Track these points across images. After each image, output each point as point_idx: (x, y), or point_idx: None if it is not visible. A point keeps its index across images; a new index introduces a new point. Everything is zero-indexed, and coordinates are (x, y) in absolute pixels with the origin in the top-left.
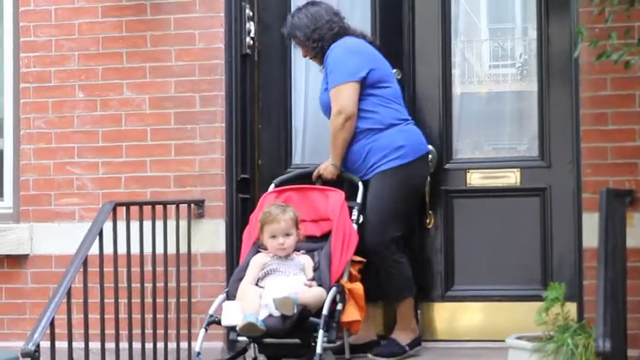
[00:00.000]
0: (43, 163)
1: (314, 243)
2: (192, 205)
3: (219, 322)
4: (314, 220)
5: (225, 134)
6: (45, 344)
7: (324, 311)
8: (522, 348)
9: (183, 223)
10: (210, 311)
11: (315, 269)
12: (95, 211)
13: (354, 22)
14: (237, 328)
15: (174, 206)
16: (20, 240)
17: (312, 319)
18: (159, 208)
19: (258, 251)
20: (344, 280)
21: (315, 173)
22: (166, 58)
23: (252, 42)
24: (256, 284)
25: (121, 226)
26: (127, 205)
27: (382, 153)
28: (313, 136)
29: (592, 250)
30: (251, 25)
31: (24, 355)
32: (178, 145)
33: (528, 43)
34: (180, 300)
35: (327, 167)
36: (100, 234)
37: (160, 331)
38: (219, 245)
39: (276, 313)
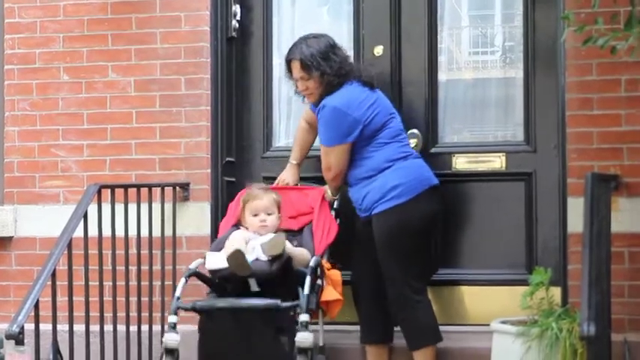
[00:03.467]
0: (27, 146)
1: (292, 236)
2: (177, 187)
3: (199, 275)
4: (292, 217)
5: (210, 117)
6: (29, 326)
7: (311, 264)
8: (506, 332)
9: (168, 206)
10: (191, 266)
11: (296, 247)
12: (80, 193)
13: (341, 4)
14: (226, 258)
15: (159, 189)
16: (4, 222)
17: (298, 268)
18: (144, 190)
19: (238, 228)
20: (324, 261)
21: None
22: (152, 40)
23: (237, 25)
24: None
25: (106, 208)
26: (112, 187)
27: (379, 194)
28: (296, 119)
29: (577, 234)
30: (237, 8)
31: (8, 337)
32: (163, 127)
33: (513, 29)
34: (165, 283)
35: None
36: (85, 216)
37: (145, 314)
38: (205, 228)
39: (264, 258)
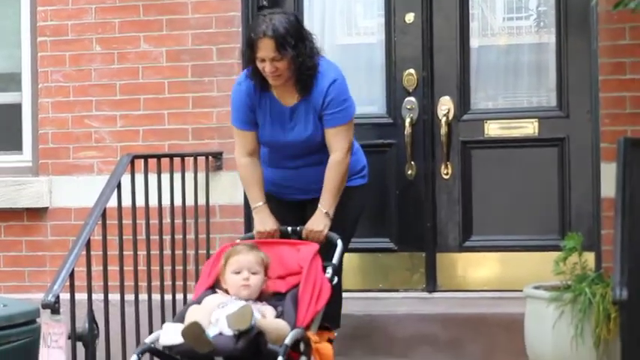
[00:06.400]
0: (61, 117)
1: (278, 301)
2: (209, 157)
3: (155, 352)
4: (280, 277)
5: None
6: (65, 296)
7: (287, 341)
8: (540, 297)
9: (201, 176)
10: (147, 340)
11: (278, 317)
12: (113, 164)
13: None
14: (181, 333)
15: (192, 159)
16: (39, 193)
17: (270, 346)
18: (177, 160)
19: (215, 292)
20: (311, 333)
21: (305, 232)
22: (183, 10)
23: None
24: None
25: (139, 178)
26: (145, 157)
27: (354, 170)
28: None
29: (610, 199)
30: None
31: (44, 306)
32: (196, 97)
33: None
34: (199, 252)
35: (321, 220)
36: (119, 186)
37: (179, 283)
38: (238, 197)
39: (228, 332)
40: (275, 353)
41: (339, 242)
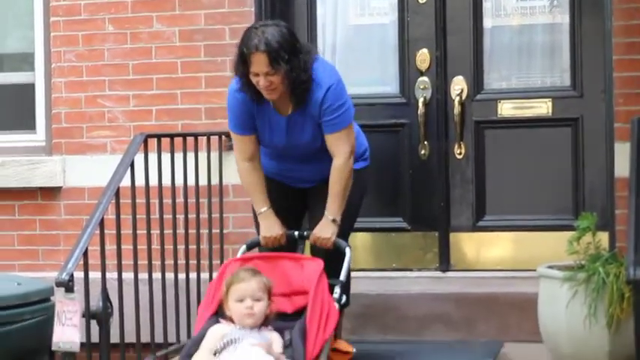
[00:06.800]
0: (74, 96)
1: (284, 322)
2: (223, 137)
3: None
4: (285, 294)
5: None
6: (78, 274)
7: None
8: (553, 277)
9: (214, 155)
10: None
11: (286, 347)
12: (126, 143)
13: None
14: None
15: (205, 138)
16: (53, 172)
17: None
18: (190, 140)
19: (218, 321)
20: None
21: (312, 238)
22: None
23: None
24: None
25: (153, 158)
26: (158, 136)
27: (356, 153)
28: (342, 60)
29: (624, 179)
30: None
31: (58, 284)
32: (209, 77)
33: None
34: (213, 231)
35: (329, 227)
36: (132, 165)
37: (193, 262)
38: None
39: None
40: None
41: (348, 251)
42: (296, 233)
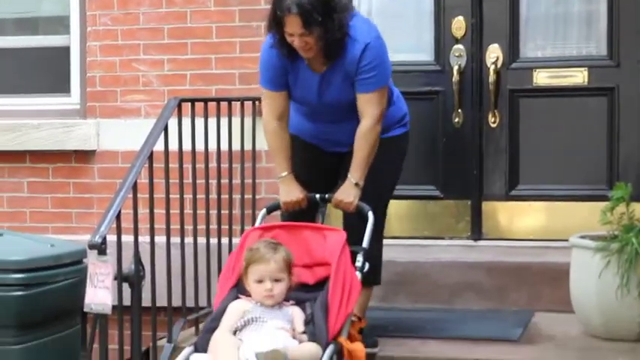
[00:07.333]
0: (109, 60)
1: (306, 293)
2: (256, 102)
3: None
4: (307, 266)
5: None
6: (111, 238)
7: None
8: (586, 247)
9: (248, 120)
10: None
11: (308, 322)
12: (160, 107)
13: None
14: None
15: (238, 103)
16: (87, 136)
17: None
18: (223, 105)
19: (237, 297)
20: (342, 339)
21: (334, 202)
22: None
23: None
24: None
25: (186, 122)
26: (192, 101)
27: (395, 119)
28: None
29: None
30: None
31: (91, 247)
32: (243, 42)
33: None
34: (245, 196)
35: (351, 190)
36: (166, 130)
37: (225, 227)
38: None
39: None
40: None
41: (370, 215)
42: (317, 196)
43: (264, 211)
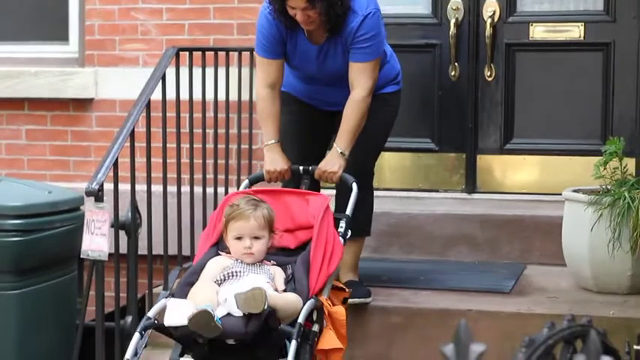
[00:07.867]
0: (107, 9)
1: (287, 257)
2: (254, 52)
3: (159, 328)
4: (289, 230)
5: None
6: (108, 186)
7: (300, 319)
8: (578, 200)
9: (245, 71)
10: (149, 314)
11: (288, 282)
12: (159, 56)
13: None
14: (187, 320)
15: (236, 53)
16: (85, 84)
17: (282, 326)
18: (221, 54)
19: (218, 254)
20: (323, 298)
21: (318, 172)
22: None
23: None
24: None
25: (184, 72)
26: (190, 50)
27: (389, 77)
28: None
29: None
30: None
31: (88, 194)
32: None
33: None
34: (242, 146)
35: (336, 160)
36: (163, 79)
37: (221, 176)
38: None
39: (238, 313)
40: (288, 333)
41: (354, 186)
42: (301, 168)
43: (246, 181)
